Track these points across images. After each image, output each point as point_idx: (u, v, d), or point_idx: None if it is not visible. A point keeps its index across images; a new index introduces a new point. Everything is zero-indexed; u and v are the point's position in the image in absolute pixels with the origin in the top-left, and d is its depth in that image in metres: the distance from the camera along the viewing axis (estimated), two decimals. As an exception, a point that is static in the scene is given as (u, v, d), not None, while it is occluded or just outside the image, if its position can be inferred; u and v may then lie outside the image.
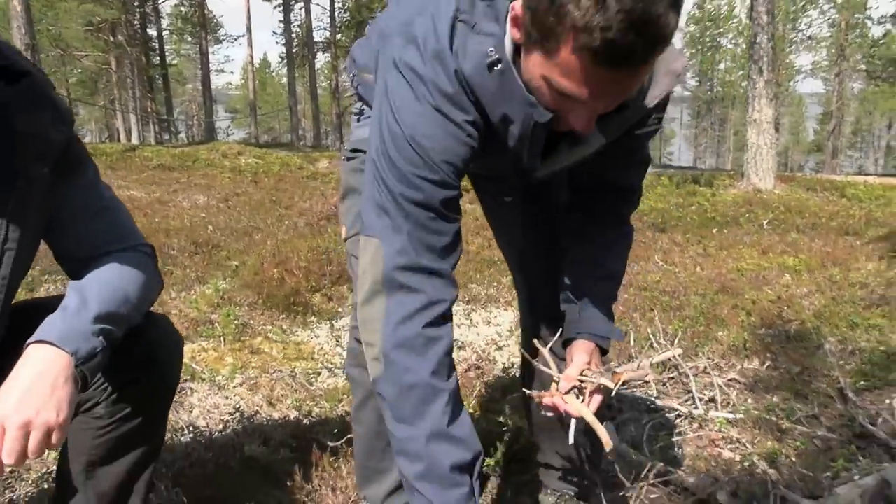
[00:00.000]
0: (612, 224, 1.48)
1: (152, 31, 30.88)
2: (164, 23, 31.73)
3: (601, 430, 1.25)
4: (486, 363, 3.15)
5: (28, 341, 1.10)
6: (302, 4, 25.52)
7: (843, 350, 3.19)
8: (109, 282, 1.21)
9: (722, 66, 40.14)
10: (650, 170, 1.85)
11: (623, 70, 0.96)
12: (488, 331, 3.70)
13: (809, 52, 30.41)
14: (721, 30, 35.37)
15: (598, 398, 1.32)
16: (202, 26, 25.50)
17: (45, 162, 1.17)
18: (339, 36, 28.15)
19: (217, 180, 9.65)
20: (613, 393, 1.30)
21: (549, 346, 1.46)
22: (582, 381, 1.31)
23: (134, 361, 1.28)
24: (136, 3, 28.35)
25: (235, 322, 3.57)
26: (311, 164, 10.34)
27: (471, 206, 7.54)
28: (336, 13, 27.52)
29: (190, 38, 31.31)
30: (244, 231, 5.94)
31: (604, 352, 1.42)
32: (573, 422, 1.35)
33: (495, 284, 4.50)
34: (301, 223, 6.24)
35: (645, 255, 5.29)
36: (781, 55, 33.10)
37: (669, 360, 2.90)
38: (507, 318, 3.88)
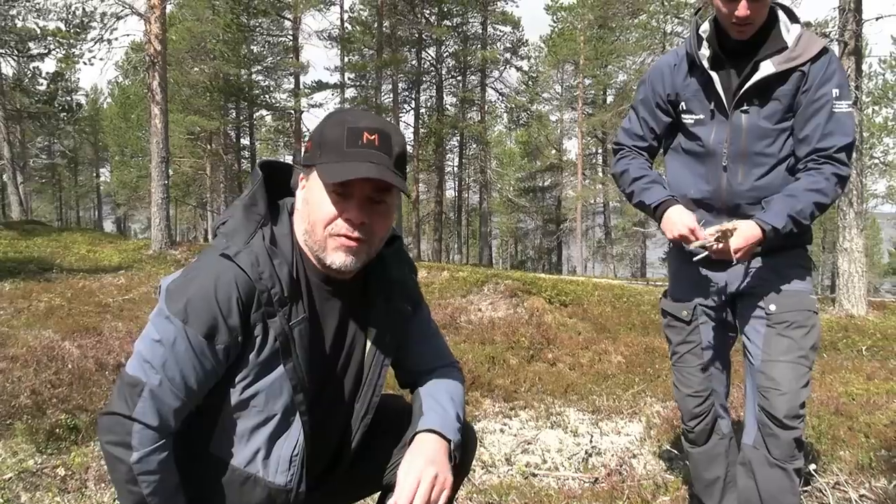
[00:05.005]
0: (811, 172, 2.17)
1: (245, 141, 33.55)
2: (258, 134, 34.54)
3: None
4: (626, 468, 3.50)
5: (416, 430, 1.55)
6: (390, 119, 27.37)
7: (965, 474, 3.40)
8: (454, 393, 1.68)
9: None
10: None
11: None
12: (619, 440, 4.03)
13: (883, 177, 30.17)
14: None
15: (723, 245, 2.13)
16: (297, 138, 27.61)
17: (407, 301, 1.70)
18: (419, 151, 29.92)
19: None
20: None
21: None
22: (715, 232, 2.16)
23: None
24: (235, 117, 30.99)
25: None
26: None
27: (571, 321, 7.94)
28: (419, 130, 29.40)
29: (282, 147, 33.83)
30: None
31: (769, 232, 2.11)
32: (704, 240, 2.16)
33: (614, 396, 4.86)
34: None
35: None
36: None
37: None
38: (635, 428, 4.21)
